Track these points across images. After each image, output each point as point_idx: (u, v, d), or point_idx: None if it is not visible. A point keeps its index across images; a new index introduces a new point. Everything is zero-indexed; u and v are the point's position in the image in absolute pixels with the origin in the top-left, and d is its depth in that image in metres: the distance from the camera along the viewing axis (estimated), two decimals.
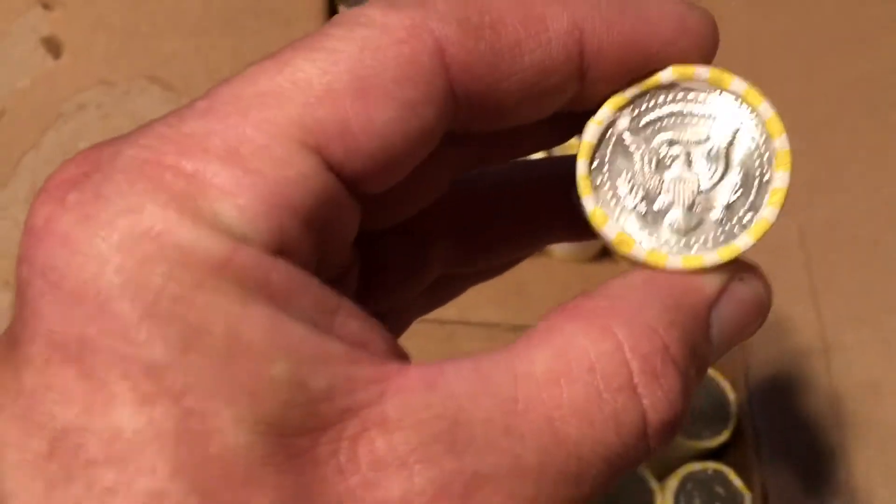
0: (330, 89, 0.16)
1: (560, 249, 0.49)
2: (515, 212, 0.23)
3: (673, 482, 0.42)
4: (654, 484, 0.42)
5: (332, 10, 0.53)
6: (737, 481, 0.42)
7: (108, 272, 0.14)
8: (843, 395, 0.45)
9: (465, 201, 0.22)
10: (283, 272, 0.15)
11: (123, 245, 0.14)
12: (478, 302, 0.48)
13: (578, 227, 0.19)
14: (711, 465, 0.42)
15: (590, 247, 0.49)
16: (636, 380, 0.16)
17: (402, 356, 0.17)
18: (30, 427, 0.14)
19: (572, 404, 0.16)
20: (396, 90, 0.16)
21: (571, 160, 0.19)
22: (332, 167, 0.16)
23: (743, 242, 0.18)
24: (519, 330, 0.47)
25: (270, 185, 0.15)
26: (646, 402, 0.16)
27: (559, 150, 0.30)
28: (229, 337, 0.14)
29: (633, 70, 0.18)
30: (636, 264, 0.18)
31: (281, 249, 0.15)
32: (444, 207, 0.22)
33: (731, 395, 0.44)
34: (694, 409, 0.44)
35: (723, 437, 0.43)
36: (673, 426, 0.17)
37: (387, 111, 0.16)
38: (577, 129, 0.20)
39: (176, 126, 0.16)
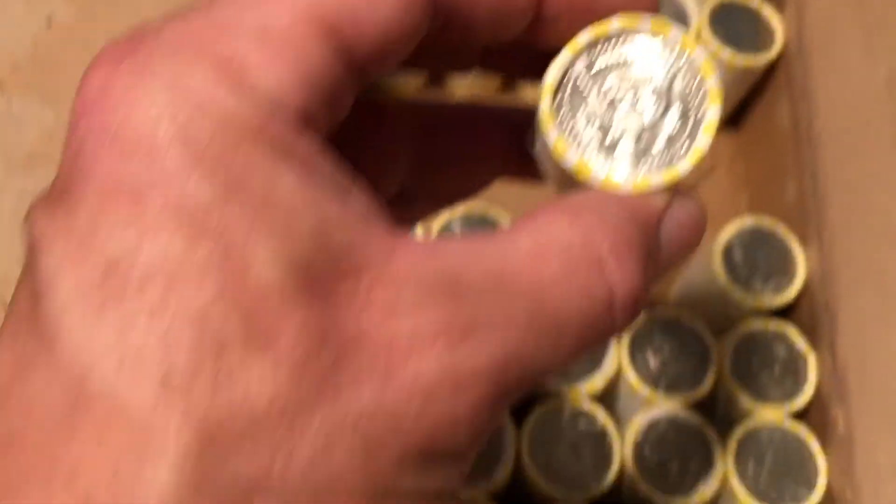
0: None
1: None
2: (471, 138, 0.26)
3: (731, 339, 0.38)
4: (710, 341, 0.38)
5: None
6: (800, 343, 0.38)
7: (162, 126, 0.16)
8: None
9: (428, 118, 0.26)
10: (309, 142, 0.18)
11: (175, 104, 0.17)
12: None
13: (527, 166, 0.23)
14: (773, 324, 0.38)
15: None
16: (605, 260, 0.19)
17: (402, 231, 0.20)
18: (84, 256, 0.16)
19: (552, 276, 0.19)
20: None
21: (527, 111, 0.22)
22: (342, 52, 0.18)
23: (682, 167, 0.21)
24: None
25: (296, 64, 0.18)
26: (612, 278, 0.19)
27: None
28: (265, 190, 0.17)
29: (582, 10, 0.22)
30: (591, 190, 0.21)
31: (306, 123, 0.18)
32: (411, 120, 0.25)
33: (798, 251, 0.40)
34: (757, 262, 0.39)
35: (788, 293, 0.39)
36: (635, 305, 0.20)
37: (387, 7, 0.19)
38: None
39: (206, 13, 0.18)
